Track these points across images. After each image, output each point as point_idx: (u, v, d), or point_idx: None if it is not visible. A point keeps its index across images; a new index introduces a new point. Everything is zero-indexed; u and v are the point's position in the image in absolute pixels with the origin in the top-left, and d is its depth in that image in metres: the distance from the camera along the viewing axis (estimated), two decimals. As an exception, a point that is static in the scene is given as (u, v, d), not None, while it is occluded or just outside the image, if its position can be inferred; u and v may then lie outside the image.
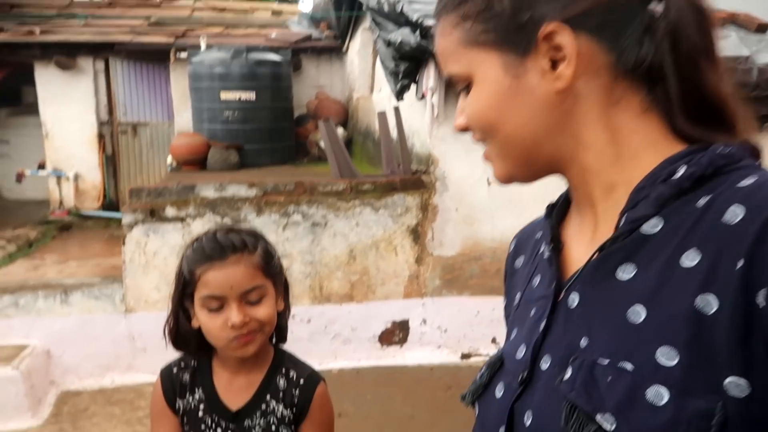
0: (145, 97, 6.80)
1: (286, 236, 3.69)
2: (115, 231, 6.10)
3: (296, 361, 1.28)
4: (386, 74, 3.99)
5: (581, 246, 0.65)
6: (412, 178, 3.85)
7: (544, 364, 0.63)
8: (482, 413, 0.71)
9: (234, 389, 1.21)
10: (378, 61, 5.33)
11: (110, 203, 6.80)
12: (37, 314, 3.45)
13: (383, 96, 5.14)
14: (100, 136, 6.67)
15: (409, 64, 3.64)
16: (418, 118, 4.13)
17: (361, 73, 6.19)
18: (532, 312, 0.68)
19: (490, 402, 0.69)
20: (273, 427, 1.19)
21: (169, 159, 5.68)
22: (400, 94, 3.80)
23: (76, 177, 6.63)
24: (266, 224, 3.61)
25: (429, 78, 3.56)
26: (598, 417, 0.53)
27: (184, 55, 5.90)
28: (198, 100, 5.67)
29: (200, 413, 1.20)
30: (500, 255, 4.10)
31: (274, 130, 5.71)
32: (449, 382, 3.82)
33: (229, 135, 5.49)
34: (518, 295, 0.75)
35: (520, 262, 0.79)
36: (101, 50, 6.45)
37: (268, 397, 1.20)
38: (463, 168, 3.93)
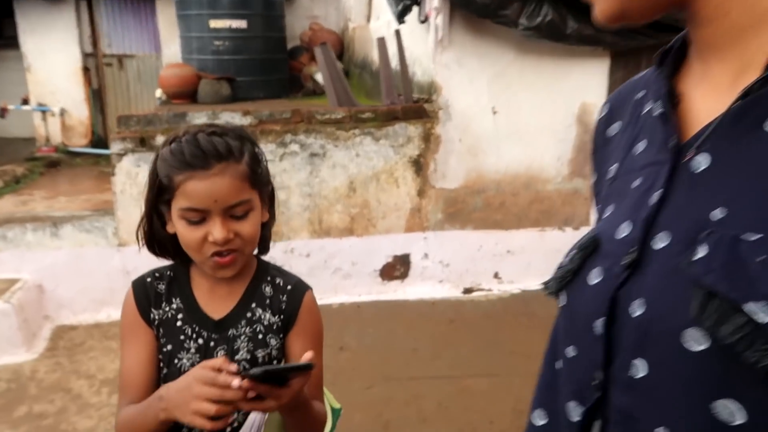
0: (131, 27, 6.47)
1: (284, 167, 3.54)
2: (104, 168, 5.92)
3: (282, 270, 1.19)
4: (387, -4, 3.76)
5: (710, 98, 0.51)
6: (414, 106, 3.68)
7: (660, 242, 0.51)
8: (572, 304, 0.60)
9: (215, 298, 1.12)
10: (376, -14, 5.05)
11: (99, 140, 6.59)
12: (27, 248, 3.33)
13: (381, 24, 4.89)
14: (85, 69, 6.39)
15: (411, -17, 3.40)
16: (420, 44, 3.93)
17: (357, 1, 5.89)
18: (637, 182, 0.56)
19: (583, 290, 0.58)
20: (260, 336, 1.10)
21: (158, 92, 5.44)
22: (401, 16, 3.58)
23: (62, 112, 6.38)
24: (262, 155, 3.45)
25: (433, -3, 3.34)
26: (749, 306, 0.41)
27: (170, -20, 5.56)
28: (186, 30, 5.38)
29: (179, 323, 1.10)
30: (504, 188, 4.00)
31: (267, 62, 5.45)
32: (451, 317, 3.78)
33: (220, 67, 5.23)
34: (614, 167, 0.62)
35: (615, 128, 0.66)
36: (82, -23, 6.09)
37: (253, 305, 1.12)
38: (468, 96, 3.76)
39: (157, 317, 1.10)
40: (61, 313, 3.48)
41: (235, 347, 1.09)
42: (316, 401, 1.13)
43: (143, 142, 3.31)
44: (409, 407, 2.86)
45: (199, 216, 1.01)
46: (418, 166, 3.76)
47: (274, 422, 1.11)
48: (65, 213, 3.52)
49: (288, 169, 3.55)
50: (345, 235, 3.78)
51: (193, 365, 1.06)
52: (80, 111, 6.48)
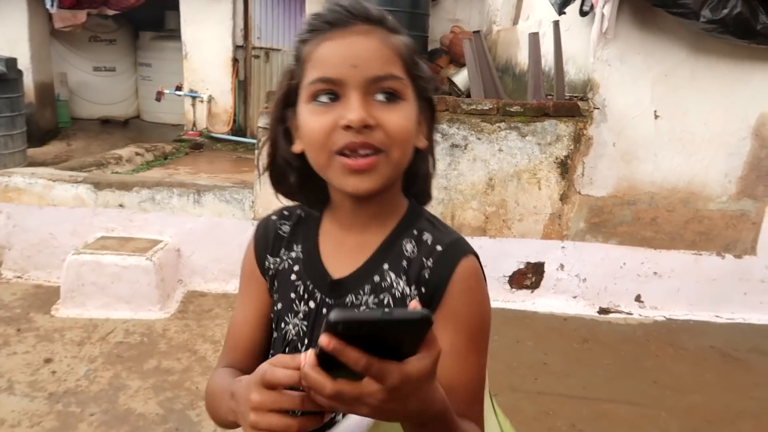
0: (280, 22, 6.75)
1: (422, 156, 3.41)
2: (242, 154, 6.18)
3: (438, 223, 0.84)
4: (546, -14, 3.54)
5: None
6: (568, 103, 3.42)
7: None
8: None
9: (342, 251, 0.82)
10: (529, -16, 4.84)
11: (239, 128, 6.90)
12: (171, 211, 3.46)
13: (531, 24, 4.66)
14: (234, 61, 6.73)
15: (579, -31, 3.17)
16: (575, 41, 3.66)
17: (504, 3, 5.71)
18: None
19: None
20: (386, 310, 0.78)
21: (299, 84, 5.59)
22: (563, 6, 3.35)
23: (210, 99, 6.76)
24: (402, 141, 3.35)
25: (603, -17, 3.07)
26: None
27: (322, -24, 5.73)
28: (332, 24, 5.49)
29: (293, 276, 0.84)
30: (659, 202, 3.60)
31: (407, 59, 5.43)
32: (585, 336, 3.45)
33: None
34: None
35: None
36: (242, -29, 6.44)
37: (385, 266, 0.79)
38: (628, 97, 3.44)
39: (272, 266, 0.86)
40: (193, 279, 3.58)
41: None
42: (467, 421, 0.73)
43: (288, 118, 3.33)
44: (538, 422, 2.59)
45: (330, 90, 0.72)
46: (564, 168, 3.48)
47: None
48: (208, 182, 3.63)
49: (426, 158, 3.42)
50: (477, 234, 3.57)
51: (298, 335, 0.82)
52: (225, 100, 6.83)
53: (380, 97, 0.72)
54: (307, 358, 0.54)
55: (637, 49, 3.36)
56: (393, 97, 0.73)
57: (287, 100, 0.79)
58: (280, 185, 0.85)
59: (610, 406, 2.75)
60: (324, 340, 0.50)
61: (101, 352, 2.85)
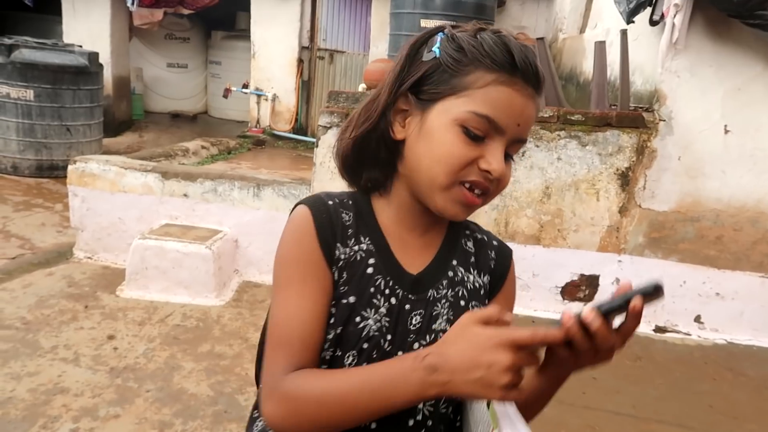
0: (346, 25, 6.87)
1: (479, 161, 3.41)
2: (302, 152, 6.33)
3: (478, 225, 0.99)
4: (616, -6, 3.47)
5: None
6: (631, 113, 3.33)
7: None
8: None
9: (410, 249, 0.86)
10: (598, -8, 4.75)
11: (300, 127, 7.06)
12: (231, 203, 3.59)
13: (598, 32, 4.58)
14: (299, 61, 6.89)
15: (651, -23, 3.09)
16: (643, 51, 3.57)
17: (572, 11, 5.62)
18: None
19: None
20: (462, 302, 0.87)
21: (362, 86, 5.66)
22: (632, 15, 3.27)
23: (274, 98, 6.95)
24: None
25: (676, -8, 2.99)
26: None
27: (389, -20, 5.78)
28: (396, 28, 5.55)
29: (369, 270, 0.82)
30: (725, 220, 3.46)
31: (469, 65, 5.42)
32: (639, 353, 3.35)
33: (424, 65, 5.30)
34: None
35: None
36: (311, -26, 6.60)
37: (454, 262, 0.89)
38: (696, 110, 3.33)
39: (342, 256, 0.82)
40: (248, 269, 3.70)
41: (434, 313, 0.84)
42: None
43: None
44: (583, 437, 2.54)
45: (486, 130, 0.77)
46: (625, 180, 3.40)
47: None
48: (268, 176, 3.74)
49: (482, 163, 3.41)
50: (531, 242, 3.53)
51: (380, 330, 0.80)
52: (289, 99, 7.01)
53: (511, 153, 0.82)
54: (591, 313, 0.67)
55: (708, 61, 3.25)
56: (513, 156, 0.83)
57: (412, 87, 0.80)
58: (357, 151, 0.85)
59: (659, 426, 2.67)
60: (638, 302, 0.65)
61: (159, 333, 2.99)
